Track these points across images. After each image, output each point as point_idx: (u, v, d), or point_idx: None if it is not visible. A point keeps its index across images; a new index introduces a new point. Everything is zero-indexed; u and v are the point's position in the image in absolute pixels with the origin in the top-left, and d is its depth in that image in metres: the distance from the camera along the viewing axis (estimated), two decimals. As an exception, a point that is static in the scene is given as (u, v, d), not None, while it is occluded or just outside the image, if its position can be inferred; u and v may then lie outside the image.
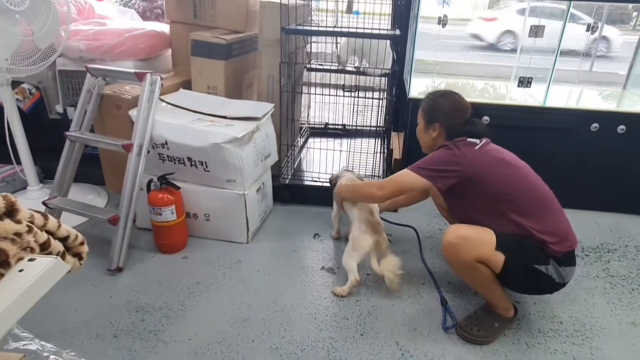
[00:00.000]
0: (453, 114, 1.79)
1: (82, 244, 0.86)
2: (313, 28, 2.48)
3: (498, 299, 1.76)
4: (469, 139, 1.74)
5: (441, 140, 1.82)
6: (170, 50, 2.87)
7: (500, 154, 1.74)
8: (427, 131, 1.86)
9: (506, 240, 1.63)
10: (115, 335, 1.69)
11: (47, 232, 0.78)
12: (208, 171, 2.13)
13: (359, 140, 3.25)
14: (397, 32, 2.42)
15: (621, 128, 2.56)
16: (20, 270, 0.65)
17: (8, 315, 0.58)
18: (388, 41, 2.65)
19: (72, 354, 0.76)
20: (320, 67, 3.01)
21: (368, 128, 3.25)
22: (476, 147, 1.71)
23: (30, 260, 0.68)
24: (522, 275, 1.64)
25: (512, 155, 1.76)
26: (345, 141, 3.35)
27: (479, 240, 1.63)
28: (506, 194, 1.66)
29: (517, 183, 1.68)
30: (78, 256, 0.86)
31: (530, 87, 2.59)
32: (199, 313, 1.83)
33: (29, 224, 0.72)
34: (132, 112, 2.14)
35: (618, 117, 2.58)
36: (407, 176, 1.74)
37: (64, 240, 0.82)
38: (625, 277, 2.17)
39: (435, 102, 1.84)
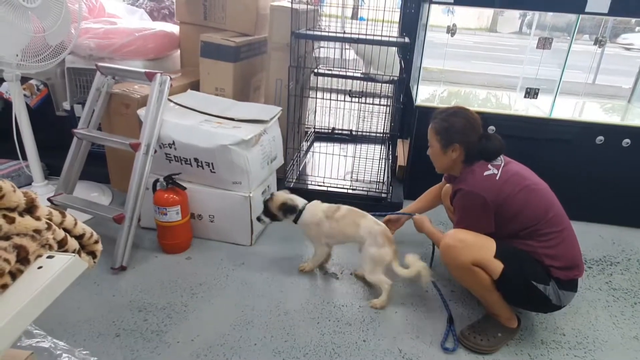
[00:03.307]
0: (469, 132, 1.75)
1: (96, 242, 0.86)
2: (323, 33, 2.49)
3: (499, 308, 1.75)
4: (489, 165, 1.72)
5: (460, 160, 1.79)
6: (179, 51, 2.88)
7: (522, 179, 1.70)
8: (446, 153, 1.78)
9: (507, 250, 1.64)
10: (118, 334, 1.69)
11: (64, 229, 0.78)
12: (214, 172, 2.14)
13: (364, 146, 3.25)
14: (407, 39, 2.43)
15: (626, 141, 2.57)
16: (39, 267, 0.65)
17: (27, 311, 0.58)
18: (395, 48, 2.66)
19: (85, 352, 0.76)
20: (328, 72, 3.02)
21: (374, 134, 3.26)
22: (497, 178, 1.68)
23: (49, 257, 0.68)
24: (518, 288, 1.64)
25: (533, 176, 1.75)
26: (350, 147, 3.36)
27: (478, 245, 1.65)
28: (526, 222, 1.66)
29: (538, 211, 1.66)
30: (92, 254, 0.86)
31: (536, 98, 2.60)
32: (201, 314, 1.82)
33: (48, 221, 0.72)
34: (141, 112, 2.15)
35: (623, 131, 2.59)
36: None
37: (79, 238, 0.82)
38: (628, 291, 2.17)
39: (449, 122, 1.76)
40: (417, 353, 1.69)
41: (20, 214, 0.67)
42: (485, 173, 1.70)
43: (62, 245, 0.75)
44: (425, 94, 2.99)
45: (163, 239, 2.17)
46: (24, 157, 2.44)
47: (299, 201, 2.08)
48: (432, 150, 1.84)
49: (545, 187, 1.73)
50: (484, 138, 1.75)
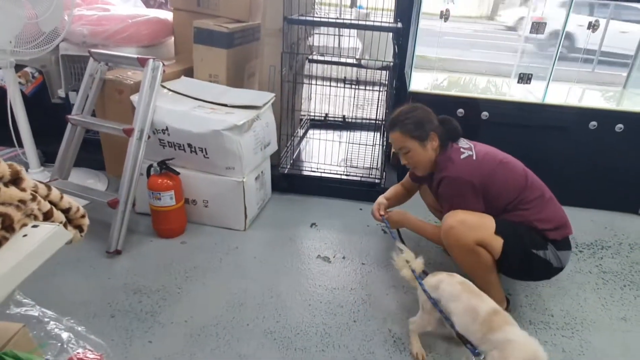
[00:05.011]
0: (433, 119, 1.81)
1: (83, 216, 0.88)
2: (315, 18, 2.49)
3: (495, 290, 1.77)
4: (461, 148, 1.78)
5: (437, 149, 1.81)
6: (173, 38, 2.88)
7: (495, 155, 1.78)
8: (426, 147, 1.79)
9: (505, 225, 1.68)
10: (113, 315, 1.72)
11: (50, 202, 0.80)
12: (208, 158, 2.15)
13: (358, 132, 3.26)
14: (399, 25, 2.43)
15: (619, 127, 2.58)
16: (24, 236, 0.67)
17: (12, 275, 0.60)
18: (390, 35, 2.66)
19: (72, 321, 0.79)
20: (322, 58, 3.02)
21: (367, 121, 3.27)
22: (474, 158, 1.74)
23: (34, 226, 0.70)
24: (519, 260, 1.68)
25: (500, 152, 1.82)
26: (344, 133, 3.37)
27: (479, 223, 1.67)
28: (510, 195, 1.72)
29: (517, 182, 1.73)
30: (79, 228, 0.88)
31: (530, 83, 2.60)
32: (195, 297, 1.85)
33: (33, 192, 0.74)
34: (134, 97, 2.16)
35: (617, 116, 2.60)
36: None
37: (66, 212, 0.84)
38: (618, 274, 2.19)
39: (416, 118, 1.78)
40: (406, 333, 1.72)
41: (6, 185, 0.69)
42: (462, 156, 1.75)
43: (48, 217, 0.77)
44: (424, 82, 2.99)
45: (157, 223, 2.20)
46: (20, 145, 2.46)
47: None
48: (412, 153, 1.80)
49: (514, 159, 1.80)
50: (442, 122, 1.82)
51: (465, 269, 1.78)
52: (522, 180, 1.74)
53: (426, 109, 1.83)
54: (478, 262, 1.69)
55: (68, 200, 0.84)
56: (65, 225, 0.83)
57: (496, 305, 1.43)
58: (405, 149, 1.81)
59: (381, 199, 2.12)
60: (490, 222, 1.68)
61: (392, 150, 2.87)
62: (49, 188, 0.80)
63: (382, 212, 2.06)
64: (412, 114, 1.79)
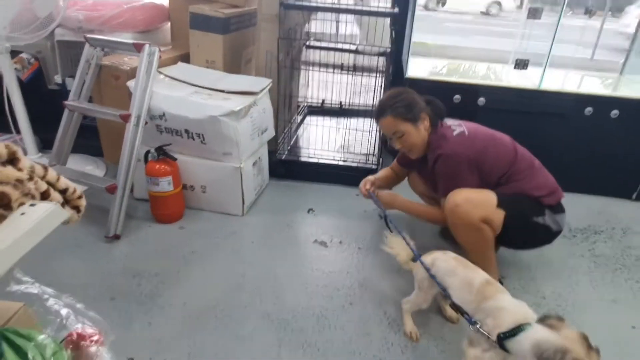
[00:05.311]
0: (419, 100, 1.83)
1: (80, 197, 0.90)
2: (311, 4, 2.47)
3: (492, 268, 1.81)
4: (451, 126, 1.81)
5: (429, 128, 1.83)
6: (169, 23, 2.86)
7: (484, 131, 1.82)
8: (419, 128, 1.81)
9: (504, 198, 1.72)
10: (113, 298, 1.75)
11: (47, 183, 0.82)
12: (205, 144, 2.16)
13: (357, 119, 3.26)
14: (396, 10, 2.42)
15: (615, 113, 2.59)
16: (22, 214, 0.69)
17: (10, 252, 0.62)
18: (388, 21, 2.65)
19: (70, 298, 0.81)
20: (319, 44, 3.01)
21: (364, 107, 3.27)
22: (467, 134, 1.78)
23: (32, 205, 0.72)
24: (522, 230, 1.75)
25: (487, 127, 1.86)
26: (343, 120, 3.37)
27: (483, 199, 1.70)
28: (503, 168, 1.77)
29: (508, 155, 1.78)
30: (76, 209, 0.90)
31: (526, 69, 2.61)
32: (194, 280, 1.88)
33: (30, 172, 0.75)
34: (130, 83, 2.16)
35: (612, 102, 2.60)
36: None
37: (63, 192, 0.86)
38: (610, 258, 2.23)
39: (406, 100, 1.79)
40: (401, 314, 1.75)
41: (3, 165, 0.71)
42: (455, 133, 1.78)
43: (45, 197, 0.78)
44: (422, 69, 2.99)
45: (156, 209, 2.22)
46: (17, 131, 2.46)
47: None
48: (407, 136, 1.81)
49: (502, 133, 1.85)
50: (428, 103, 1.85)
51: (467, 247, 1.80)
52: (512, 152, 1.79)
53: (411, 91, 1.85)
54: (481, 239, 1.72)
55: (65, 182, 0.86)
56: (62, 206, 0.85)
57: (488, 276, 1.46)
58: (399, 133, 1.82)
59: (370, 177, 2.12)
60: (492, 197, 1.71)
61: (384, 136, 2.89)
62: (45, 169, 0.81)
63: (368, 187, 2.04)
64: (400, 98, 1.80)
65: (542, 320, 1.25)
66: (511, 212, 1.70)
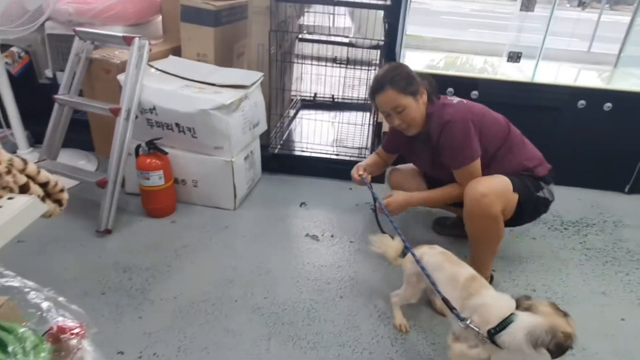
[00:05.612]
0: (416, 75, 1.78)
1: (62, 190, 0.89)
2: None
3: (489, 262, 1.84)
4: (448, 98, 1.83)
5: (426, 103, 1.80)
6: (160, 16, 2.84)
7: (478, 104, 1.84)
8: (418, 102, 1.76)
9: (514, 180, 1.73)
10: (103, 292, 1.75)
11: (27, 176, 0.81)
12: (196, 137, 2.16)
13: (350, 112, 3.26)
14: (388, 2, 2.40)
15: (607, 105, 2.59)
16: (0, 207, 0.69)
17: (-13, 245, 0.62)
18: (382, 13, 2.63)
19: (52, 291, 0.81)
20: (312, 37, 2.99)
21: (356, 101, 3.27)
22: (465, 102, 1.80)
23: (10, 198, 0.71)
24: (530, 207, 1.78)
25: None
26: (336, 113, 3.37)
27: (503, 187, 1.70)
28: (499, 139, 1.80)
29: (502, 127, 1.82)
30: (58, 202, 0.89)
31: (519, 62, 2.60)
32: (185, 274, 1.88)
33: (9, 166, 0.75)
34: (121, 77, 2.14)
35: (605, 95, 2.60)
36: (475, 168, 1.76)
37: (43, 186, 0.86)
38: (601, 250, 2.24)
39: (404, 73, 1.75)
40: (391, 307, 1.76)
41: (-21, 158, 0.70)
42: (454, 102, 1.79)
43: (24, 190, 0.78)
44: (417, 62, 2.97)
45: (147, 203, 2.22)
46: (8, 125, 2.45)
47: None
48: (408, 110, 1.74)
49: (490, 110, 1.87)
50: (422, 78, 1.82)
51: (480, 238, 1.78)
52: (505, 125, 1.83)
53: (407, 65, 1.80)
54: (496, 229, 1.73)
55: (45, 175, 0.85)
56: (43, 199, 0.85)
57: (474, 271, 1.46)
58: (400, 108, 1.73)
59: (361, 162, 2.08)
60: (508, 182, 1.71)
61: (382, 130, 2.88)
62: (25, 162, 0.81)
63: (361, 172, 1.98)
64: (399, 71, 1.74)
65: (517, 306, 1.28)
66: (523, 193, 1.73)
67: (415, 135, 1.85)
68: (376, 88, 1.76)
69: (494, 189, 1.67)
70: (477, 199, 1.67)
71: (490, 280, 1.87)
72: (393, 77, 1.72)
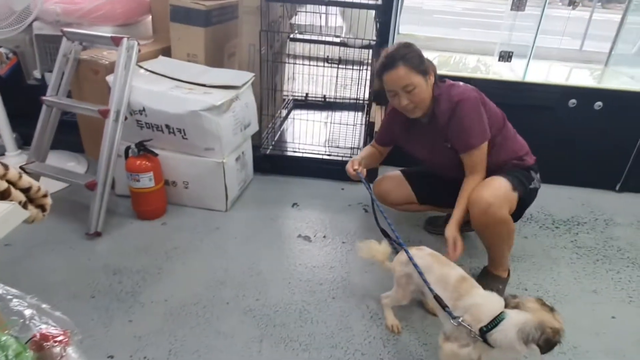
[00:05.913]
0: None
1: (45, 196, 0.88)
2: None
3: (507, 259, 1.86)
4: (451, 81, 1.82)
5: (433, 85, 1.75)
6: (150, 16, 2.81)
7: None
8: (428, 82, 1.70)
9: (510, 177, 1.74)
10: (93, 295, 1.73)
11: (8, 182, 0.80)
12: (186, 139, 2.14)
13: (342, 112, 3.25)
14: (379, 1, 2.40)
15: (598, 104, 2.60)
16: (-22, 214, 0.67)
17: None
18: (374, 13, 2.63)
19: (35, 299, 0.79)
20: (303, 37, 2.98)
21: (348, 100, 3.26)
22: (469, 85, 1.80)
23: (-12, 205, 0.70)
24: (528, 201, 1.83)
25: None
26: (328, 113, 3.36)
27: (505, 189, 1.70)
28: (498, 125, 1.82)
29: (499, 115, 1.84)
30: (41, 208, 0.88)
31: (510, 61, 2.61)
32: (175, 276, 1.87)
33: (-12, 172, 0.74)
34: (109, 78, 2.12)
35: (596, 94, 2.61)
36: (483, 150, 1.76)
37: (25, 191, 0.84)
38: (592, 249, 2.25)
39: (415, 52, 1.68)
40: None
41: (-42, 164, 0.69)
42: (460, 83, 1.79)
43: (4, 196, 0.76)
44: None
45: (137, 205, 2.20)
46: (-4, 127, 2.41)
47: None
48: (418, 89, 1.66)
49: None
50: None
51: (495, 242, 1.80)
52: (501, 114, 1.86)
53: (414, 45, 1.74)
54: (508, 231, 1.74)
55: (28, 180, 0.83)
56: (25, 204, 0.83)
57: (463, 272, 1.46)
58: (411, 86, 1.65)
59: (355, 157, 2.04)
60: (507, 182, 1.71)
61: (375, 130, 2.87)
62: (5, 167, 0.79)
63: (356, 167, 1.92)
64: (412, 48, 1.67)
65: (506, 305, 1.30)
66: (520, 190, 1.74)
67: (415, 119, 1.80)
68: (387, 64, 1.66)
69: (497, 195, 1.67)
70: (484, 209, 1.66)
71: (508, 274, 1.90)
72: (406, 54, 1.64)
